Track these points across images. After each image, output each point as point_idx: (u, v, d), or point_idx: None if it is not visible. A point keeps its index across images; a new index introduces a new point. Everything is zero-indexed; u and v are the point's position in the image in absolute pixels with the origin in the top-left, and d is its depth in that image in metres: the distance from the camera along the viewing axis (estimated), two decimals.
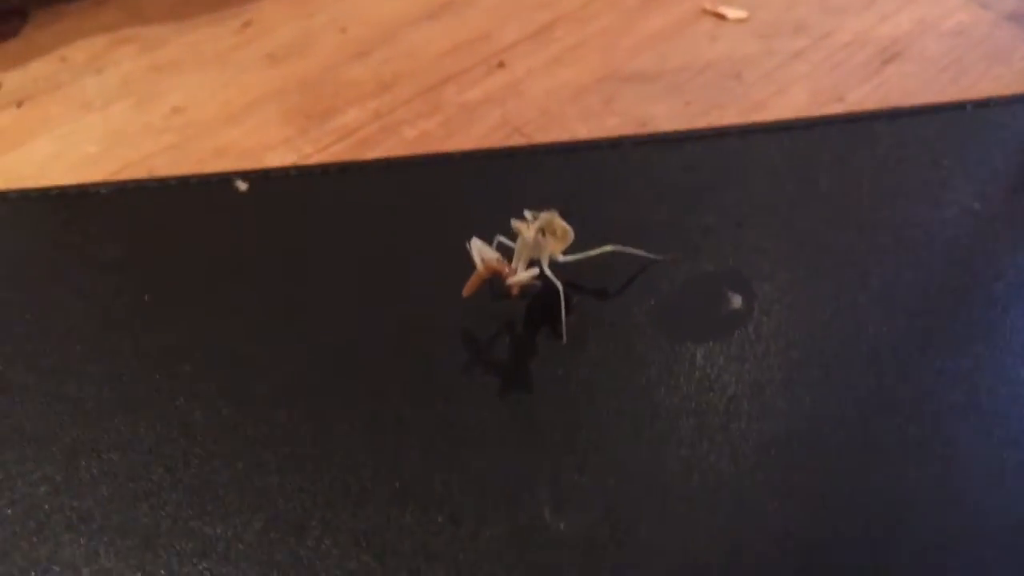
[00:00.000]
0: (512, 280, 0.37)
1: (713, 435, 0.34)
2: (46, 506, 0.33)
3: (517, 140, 0.47)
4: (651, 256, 0.40)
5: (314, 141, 0.48)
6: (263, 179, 0.45)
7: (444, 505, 0.32)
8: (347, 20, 0.55)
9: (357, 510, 0.33)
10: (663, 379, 0.36)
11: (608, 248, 0.39)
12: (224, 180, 0.45)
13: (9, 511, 0.33)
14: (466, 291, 0.38)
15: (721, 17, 0.53)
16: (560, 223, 0.38)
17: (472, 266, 0.37)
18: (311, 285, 0.41)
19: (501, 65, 0.52)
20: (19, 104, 0.52)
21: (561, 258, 0.39)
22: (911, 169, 0.43)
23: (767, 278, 0.39)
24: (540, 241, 0.37)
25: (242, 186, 0.45)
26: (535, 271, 0.37)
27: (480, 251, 0.37)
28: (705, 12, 0.54)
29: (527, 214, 0.38)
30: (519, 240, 0.37)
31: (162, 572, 0.31)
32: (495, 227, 0.39)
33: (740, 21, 0.53)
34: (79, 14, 0.57)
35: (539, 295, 0.39)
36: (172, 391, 0.37)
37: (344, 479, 0.33)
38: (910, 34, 0.51)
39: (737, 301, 0.38)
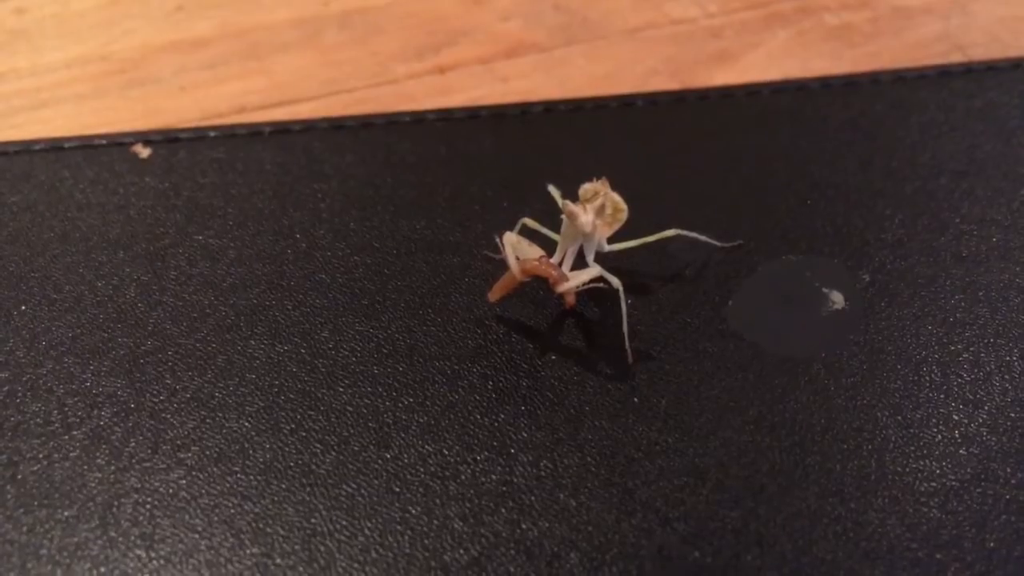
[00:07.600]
0: (564, 287, 0.27)
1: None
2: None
3: None
4: (720, 244, 0.31)
5: None
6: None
7: None
8: None
9: None
10: (770, 406, 0.27)
11: (670, 233, 0.30)
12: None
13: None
14: (493, 295, 0.28)
15: None
16: (615, 198, 0.28)
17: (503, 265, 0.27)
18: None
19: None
20: None
21: (607, 246, 0.29)
22: None
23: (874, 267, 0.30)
24: (594, 226, 0.27)
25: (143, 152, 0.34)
26: (594, 272, 0.27)
27: (515, 247, 0.27)
28: None
29: (582, 188, 0.28)
30: (566, 225, 0.27)
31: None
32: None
33: None
34: None
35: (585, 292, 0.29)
36: None
37: None
38: None
39: (838, 299, 0.30)
